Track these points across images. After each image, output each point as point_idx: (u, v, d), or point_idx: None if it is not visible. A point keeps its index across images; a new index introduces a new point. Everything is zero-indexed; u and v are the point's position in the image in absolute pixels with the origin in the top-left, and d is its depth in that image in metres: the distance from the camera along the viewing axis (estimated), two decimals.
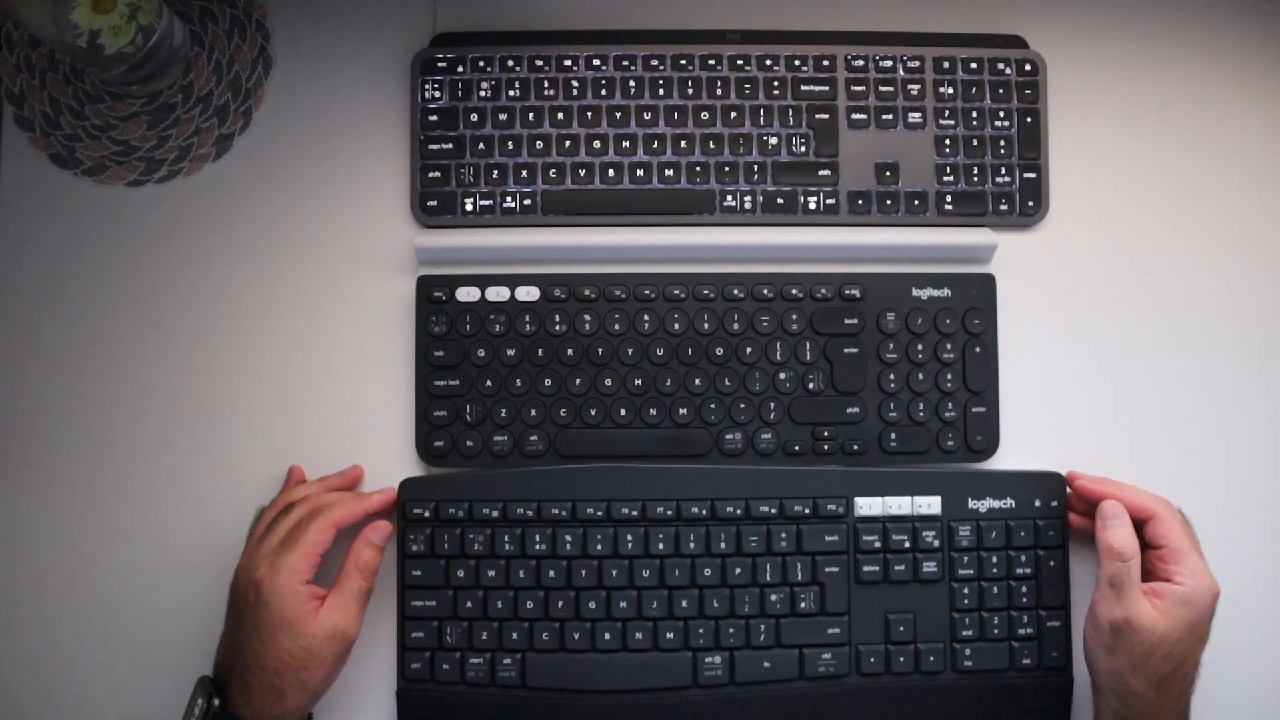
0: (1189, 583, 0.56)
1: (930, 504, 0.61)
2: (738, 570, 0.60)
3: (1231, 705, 0.62)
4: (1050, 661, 0.61)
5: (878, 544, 0.61)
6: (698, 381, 0.64)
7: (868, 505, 0.61)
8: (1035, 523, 0.61)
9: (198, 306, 0.65)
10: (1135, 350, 0.66)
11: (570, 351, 0.64)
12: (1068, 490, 0.62)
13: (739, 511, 0.61)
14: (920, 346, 0.64)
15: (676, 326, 0.64)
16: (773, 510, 0.61)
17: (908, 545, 0.61)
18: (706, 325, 0.64)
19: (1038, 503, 0.61)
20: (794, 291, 0.64)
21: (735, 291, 0.64)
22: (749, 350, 0.64)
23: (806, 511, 0.61)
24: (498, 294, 0.64)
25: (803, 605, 0.60)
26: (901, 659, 0.60)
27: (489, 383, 0.63)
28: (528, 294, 0.64)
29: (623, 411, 0.63)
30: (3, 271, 0.65)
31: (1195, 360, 0.66)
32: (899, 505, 0.61)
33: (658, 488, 0.61)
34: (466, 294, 0.64)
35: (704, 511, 0.61)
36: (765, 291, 0.64)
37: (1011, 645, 0.60)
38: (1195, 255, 0.66)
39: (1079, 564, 0.62)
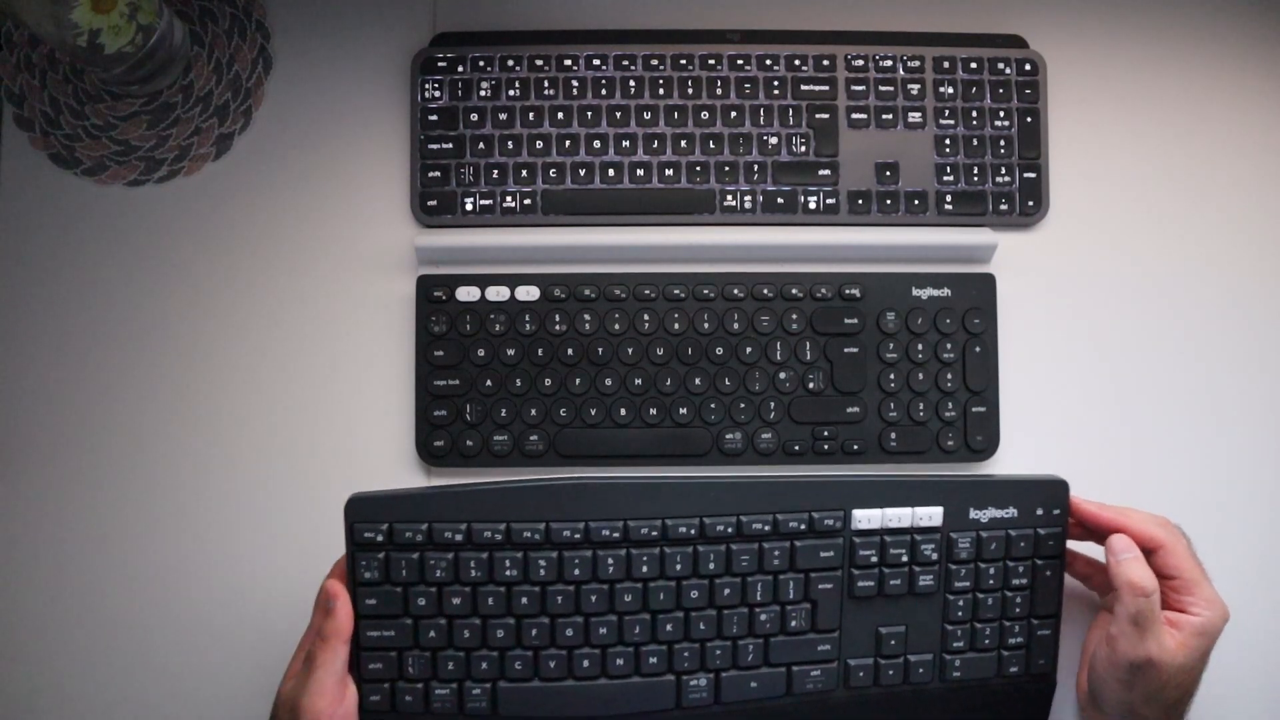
0: (1205, 613, 0.55)
1: (931, 515, 0.58)
2: (726, 591, 0.57)
3: (1225, 700, 0.62)
4: (1036, 669, 0.59)
5: (874, 559, 0.57)
6: (698, 381, 0.64)
7: (866, 518, 0.57)
8: (1036, 532, 0.58)
9: (197, 307, 0.65)
10: (1135, 349, 0.66)
11: (570, 351, 0.64)
12: (1071, 498, 0.59)
13: (730, 530, 0.56)
14: (920, 346, 0.64)
15: (676, 326, 0.64)
16: (766, 527, 0.57)
17: (905, 559, 0.58)
18: (706, 325, 0.64)
19: (1040, 511, 0.58)
20: (794, 291, 0.64)
21: (735, 291, 0.64)
22: (749, 350, 0.64)
23: (802, 527, 0.57)
24: (498, 294, 0.64)
25: (793, 624, 0.57)
26: (890, 672, 0.58)
27: (489, 382, 0.63)
28: (528, 294, 0.64)
29: (623, 411, 0.63)
30: (3, 271, 0.65)
31: (1195, 359, 0.66)
32: (898, 518, 0.57)
33: (641, 506, 0.56)
34: (466, 294, 0.64)
35: (692, 531, 0.56)
36: (765, 291, 0.64)
37: (1001, 654, 0.59)
38: (1195, 255, 0.66)
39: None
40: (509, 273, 0.64)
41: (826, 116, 0.66)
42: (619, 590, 0.56)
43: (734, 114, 0.66)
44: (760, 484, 0.57)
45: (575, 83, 0.66)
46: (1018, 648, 0.59)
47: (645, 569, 0.56)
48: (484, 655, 0.56)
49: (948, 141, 0.66)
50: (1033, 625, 0.59)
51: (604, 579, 0.56)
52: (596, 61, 0.66)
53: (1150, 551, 0.56)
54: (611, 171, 0.65)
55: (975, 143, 0.66)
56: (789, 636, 0.58)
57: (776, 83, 0.66)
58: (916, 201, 0.66)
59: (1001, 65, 0.67)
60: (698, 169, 0.66)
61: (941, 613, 0.59)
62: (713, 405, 0.64)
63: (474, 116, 0.66)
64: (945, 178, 0.66)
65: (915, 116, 0.66)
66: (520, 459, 0.63)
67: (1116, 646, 0.55)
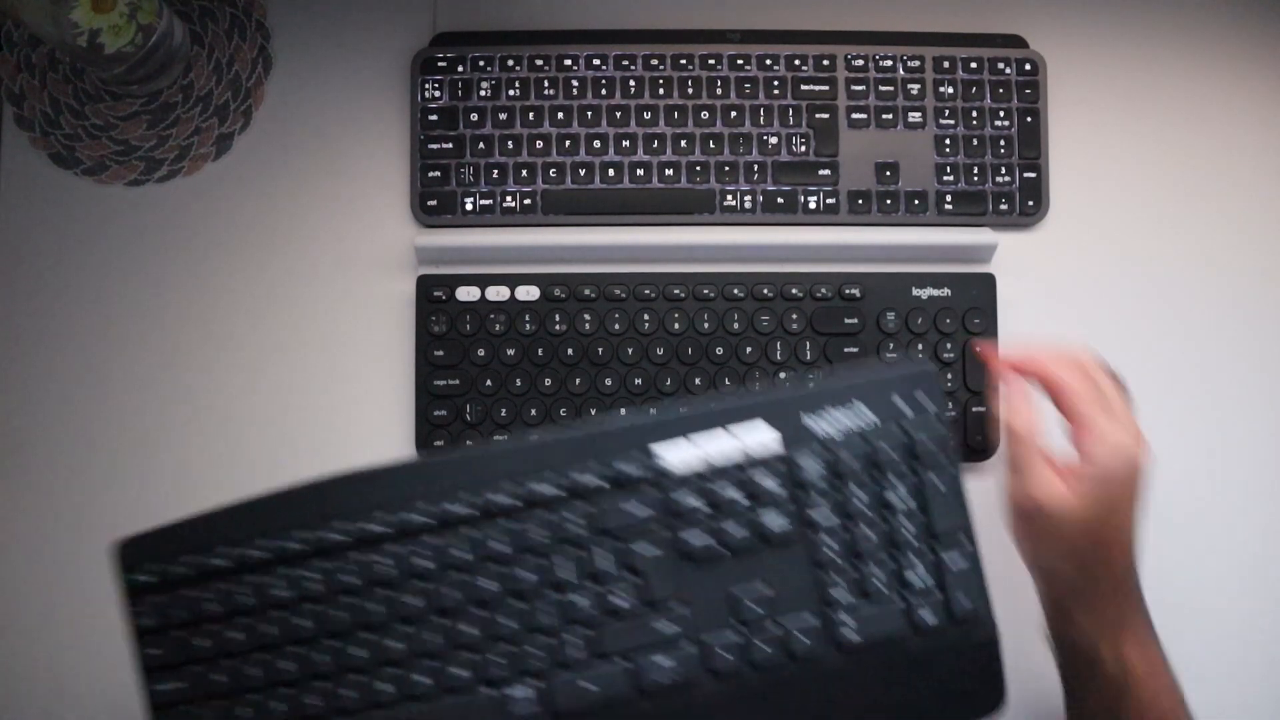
0: (1097, 451, 0.48)
1: (762, 440, 0.46)
2: (535, 577, 0.46)
3: (1225, 701, 0.62)
4: (961, 612, 0.45)
5: (698, 504, 0.46)
6: (698, 381, 0.64)
7: (678, 459, 0.46)
8: (907, 434, 0.46)
9: (197, 307, 0.65)
10: (1135, 349, 0.66)
11: (570, 351, 0.64)
12: (979, 349, 0.52)
13: (517, 501, 0.46)
14: (920, 346, 0.64)
15: (676, 326, 0.64)
16: (559, 490, 0.46)
17: (740, 499, 0.46)
18: (706, 325, 0.64)
19: (909, 410, 0.46)
20: (794, 291, 0.64)
21: (735, 291, 0.64)
22: (749, 350, 0.64)
23: (602, 483, 0.46)
24: (498, 294, 0.64)
25: (618, 603, 0.46)
26: (764, 646, 0.45)
27: (489, 382, 0.63)
28: (528, 294, 0.64)
29: (623, 412, 0.63)
30: (3, 271, 0.65)
31: (1195, 360, 0.66)
32: (720, 451, 0.46)
33: (415, 488, 0.47)
34: (466, 294, 0.64)
35: (474, 511, 0.46)
36: (765, 291, 0.64)
37: (904, 599, 0.45)
38: (1195, 255, 0.66)
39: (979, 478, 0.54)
40: (509, 273, 0.64)
41: (826, 116, 0.66)
42: (395, 601, 0.46)
43: (734, 114, 0.66)
44: (538, 445, 0.47)
45: (575, 83, 0.66)
46: (925, 592, 0.46)
47: (429, 563, 0.46)
48: (272, 694, 0.46)
49: (948, 141, 0.66)
50: (939, 555, 0.46)
51: (380, 580, 0.46)
52: (596, 61, 0.66)
53: (1056, 396, 0.51)
54: (611, 171, 0.66)
55: (975, 143, 0.66)
56: (617, 619, 0.46)
57: (776, 83, 0.66)
58: (916, 201, 0.66)
59: (1001, 65, 0.67)
60: (698, 169, 0.66)
61: (806, 557, 0.46)
62: None
63: (474, 116, 0.66)
64: (945, 178, 0.66)
65: (915, 116, 0.66)
66: None
67: (1007, 499, 0.50)
